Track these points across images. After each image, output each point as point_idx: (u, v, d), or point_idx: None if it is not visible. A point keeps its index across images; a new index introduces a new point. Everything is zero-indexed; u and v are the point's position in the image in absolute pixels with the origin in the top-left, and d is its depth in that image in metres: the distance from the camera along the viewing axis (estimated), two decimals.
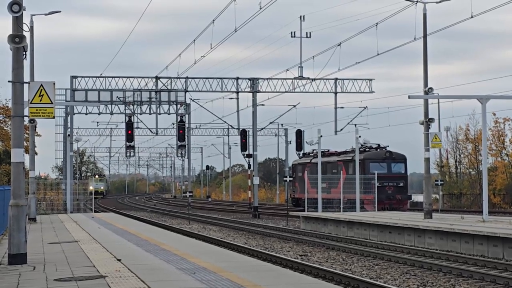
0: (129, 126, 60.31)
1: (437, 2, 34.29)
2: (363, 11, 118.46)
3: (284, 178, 53.31)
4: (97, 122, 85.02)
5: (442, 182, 61.36)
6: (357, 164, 44.29)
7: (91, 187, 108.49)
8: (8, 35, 16.03)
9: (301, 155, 65.77)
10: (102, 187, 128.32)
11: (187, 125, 62.89)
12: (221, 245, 28.57)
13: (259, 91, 58.93)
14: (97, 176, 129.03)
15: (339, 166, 56.12)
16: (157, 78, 59.44)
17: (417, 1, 34.78)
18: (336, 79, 59.72)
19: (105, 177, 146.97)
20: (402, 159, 54.99)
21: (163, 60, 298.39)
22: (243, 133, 60.02)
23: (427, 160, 34.61)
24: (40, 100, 16.55)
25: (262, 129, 79.44)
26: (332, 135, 60.06)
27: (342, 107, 62.68)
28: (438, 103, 63.25)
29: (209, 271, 14.06)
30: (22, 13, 16.08)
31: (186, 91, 59.56)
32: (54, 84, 16.75)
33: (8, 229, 18.17)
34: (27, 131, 41.16)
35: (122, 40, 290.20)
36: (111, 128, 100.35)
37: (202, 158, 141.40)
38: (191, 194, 50.05)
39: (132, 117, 60.36)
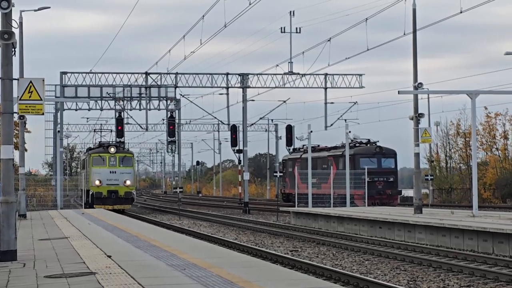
0: (119, 122, 60.26)
1: None
2: (353, 6, 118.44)
3: (275, 174, 53.25)
4: (87, 118, 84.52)
5: (432, 177, 61.43)
6: (347, 159, 44.35)
7: (96, 181, 54.86)
8: None
9: (291, 150, 65.75)
10: (128, 181, 55.28)
11: (177, 121, 62.96)
12: (212, 241, 28.56)
13: (249, 87, 58.94)
14: (112, 150, 55.93)
15: (329, 161, 56.17)
16: (147, 73, 59.39)
17: None
18: (326, 74, 59.77)
19: (133, 155, 59.36)
20: (392, 154, 55.05)
21: (152, 54, 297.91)
22: (233, 129, 60.02)
23: (417, 155, 34.65)
24: (30, 97, 16.49)
25: (252, 124, 79.44)
26: (322, 130, 60.28)
27: (332, 103, 62.83)
28: (428, 98, 63.43)
29: (200, 267, 14.05)
30: (11, 9, 16.01)
31: (176, 86, 59.53)
32: (43, 80, 16.70)
33: None
34: (17, 128, 41.10)
35: (110, 34, 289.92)
36: (101, 124, 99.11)
37: (192, 154, 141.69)
38: (181, 189, 49.91)
39: (122, 113, 60.36)
